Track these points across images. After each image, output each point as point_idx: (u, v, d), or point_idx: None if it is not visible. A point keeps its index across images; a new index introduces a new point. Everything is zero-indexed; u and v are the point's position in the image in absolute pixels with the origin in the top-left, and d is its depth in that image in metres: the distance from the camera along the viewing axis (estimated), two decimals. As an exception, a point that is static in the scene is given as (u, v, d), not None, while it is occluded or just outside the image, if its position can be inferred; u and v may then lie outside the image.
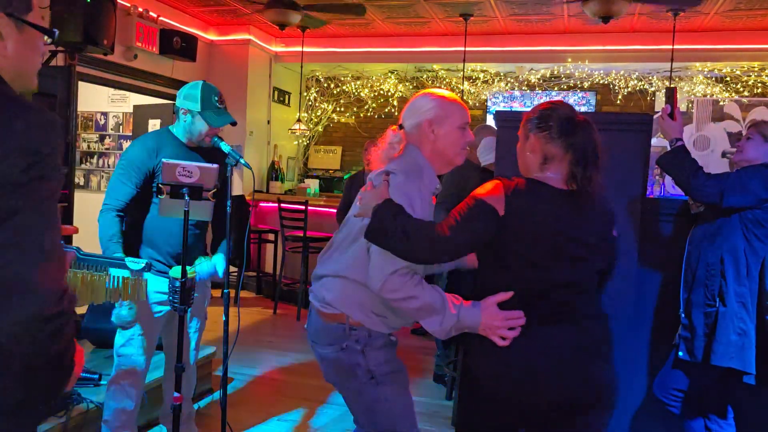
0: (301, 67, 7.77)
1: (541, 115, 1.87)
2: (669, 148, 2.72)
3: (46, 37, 1.30)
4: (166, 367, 3.02)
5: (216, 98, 2.74)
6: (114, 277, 2.45)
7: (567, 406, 1.80)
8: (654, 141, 4.69)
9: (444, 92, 2.08)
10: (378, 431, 2.07)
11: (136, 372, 2.78)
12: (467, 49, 6.95)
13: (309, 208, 6.05)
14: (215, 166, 2.52)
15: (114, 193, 2.69)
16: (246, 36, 7.37)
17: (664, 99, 2.81)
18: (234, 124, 2.79)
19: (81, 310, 4.11)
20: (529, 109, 1.94)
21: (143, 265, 2.45)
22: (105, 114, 8.23)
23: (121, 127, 8.17)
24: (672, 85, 6.86)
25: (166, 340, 2.98)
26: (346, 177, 7.02)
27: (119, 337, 2.78)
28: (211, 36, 7.43)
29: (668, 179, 5.52)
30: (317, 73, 8.52)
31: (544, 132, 1.84)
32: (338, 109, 8.58)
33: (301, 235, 6.01)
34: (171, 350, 2.92)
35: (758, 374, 2.63)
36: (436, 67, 7.91)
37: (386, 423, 2.04)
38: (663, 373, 2.84)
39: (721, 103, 5.62)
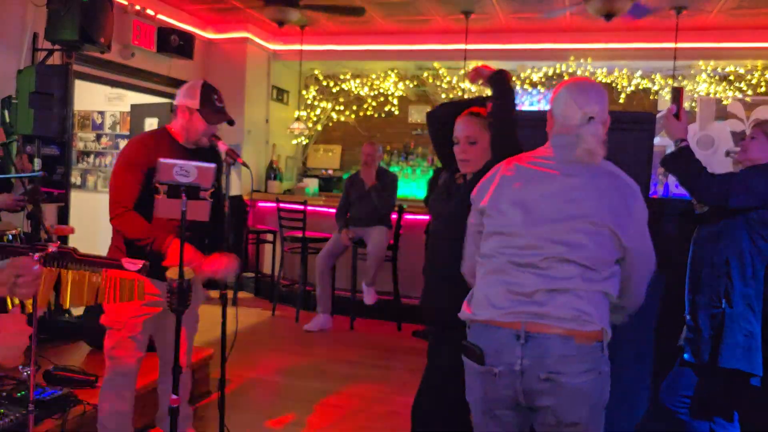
0: (300, 65, 7.72)
1: None
2: (673, 149, 2.69)
3: None
4: (161, 370, 2.99)
5: (215, 97, 2.73)
6: (111, 278, 2.42)
7: None
8: (657, 140, 4.64)
9: None
10: None
11: (128, 374, 2.76)
12: (468, 47, 6.91)
13: (308, 208, 6.01)
14: (213, 165, 2.48)
15: (124, 192, 2.63)
16: (244, 34, 7.33)
17: (670, 98, 2.78)
18: (232, 123, 2.77)
19: (78, 311, 4.07)
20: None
21: (140, 265, 2.42)
22: (102, 113, 8.17)
23: (118, 126, 8.12)
24: (678, 85, 6.82)
25: (158, 343, 2.93)
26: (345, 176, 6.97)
27: (108, 340, 2.75)
28: (209, 34, 7.39)
29: (672, 179, 5.48)
30: (316, 71, 8.47)
31: None
32: (337, 107, 8.52)
33: (300, 235, 5.97)
34: (165, 353, 2.88)
35: (765, 376, 2.59)
36: (436, 65, 7.87)
37: None
38: (670, 379, 2.79)
39: (725, 102, 5.58)
